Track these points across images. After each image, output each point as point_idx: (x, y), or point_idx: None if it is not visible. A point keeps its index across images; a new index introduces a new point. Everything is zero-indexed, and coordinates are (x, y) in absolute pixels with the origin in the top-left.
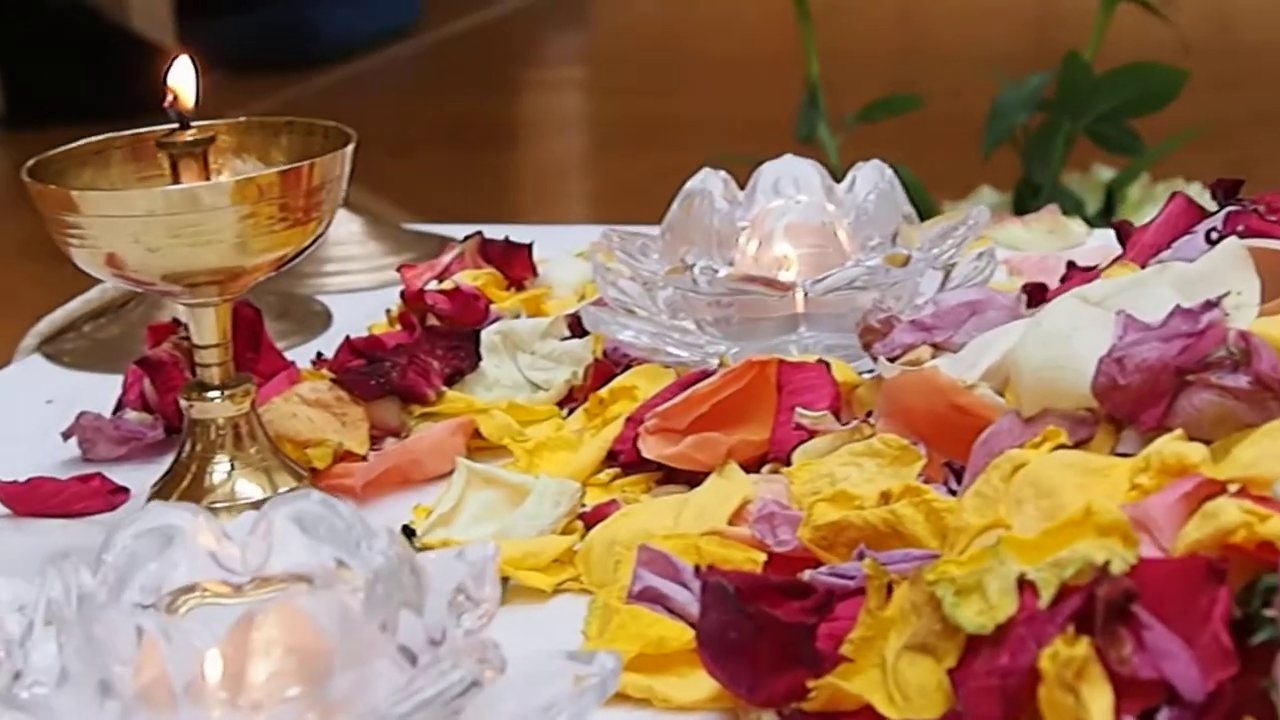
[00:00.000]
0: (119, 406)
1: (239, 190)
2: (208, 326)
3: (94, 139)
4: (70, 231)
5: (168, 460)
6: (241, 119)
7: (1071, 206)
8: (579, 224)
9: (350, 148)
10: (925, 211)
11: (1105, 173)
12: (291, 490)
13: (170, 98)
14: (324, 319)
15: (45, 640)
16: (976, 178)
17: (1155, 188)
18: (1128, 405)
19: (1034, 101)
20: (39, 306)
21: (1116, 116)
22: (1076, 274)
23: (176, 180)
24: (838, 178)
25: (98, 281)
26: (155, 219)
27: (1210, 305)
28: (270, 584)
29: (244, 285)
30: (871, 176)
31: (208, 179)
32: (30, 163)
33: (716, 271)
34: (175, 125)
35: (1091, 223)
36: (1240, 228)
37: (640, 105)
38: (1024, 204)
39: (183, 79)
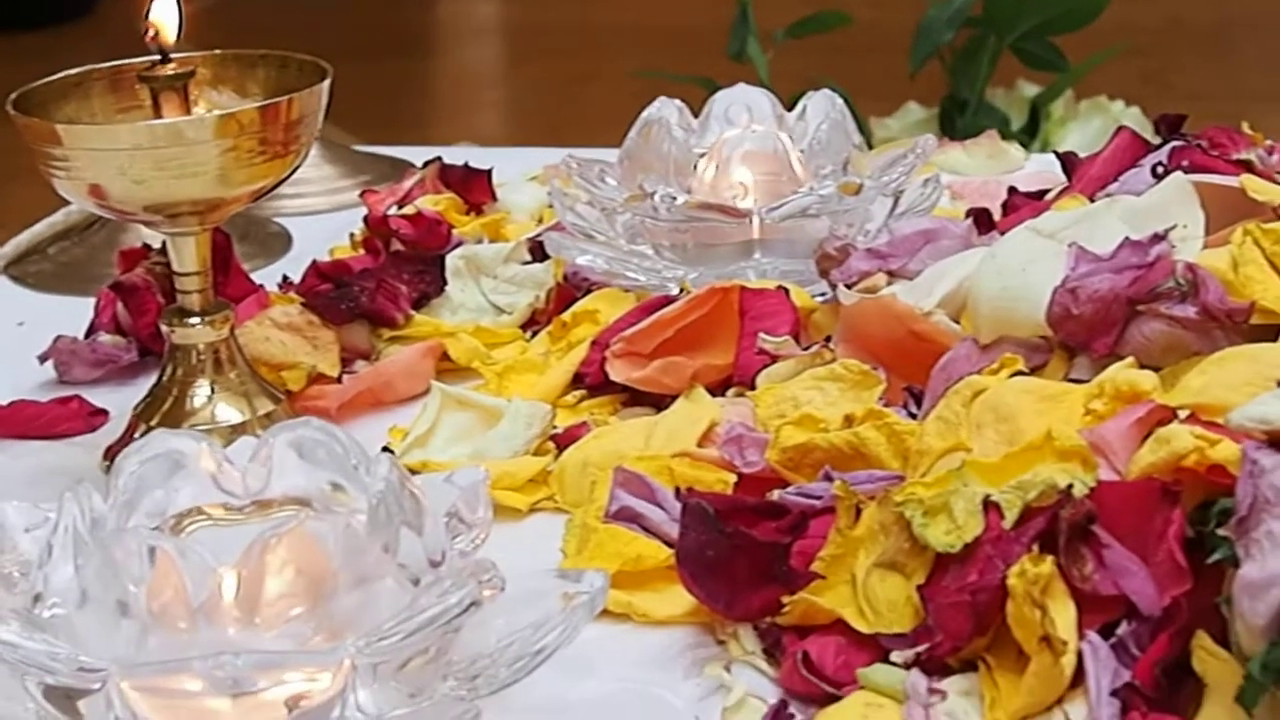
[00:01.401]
0: (92, 329)
1: (222, 125)
2: (188, 254)
3: (74, 71)
4: (55, 163)
5: (143, 382)
6: (217, 51)
7: (997, 122)
8: (496, 132)
9: (327, 82)
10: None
11: (1030, 89)
12: (269, 413)
13: (151, 33)
14: (284, 241)
15: (62, 562)
16: (902, 88)
17: (1079, 104)
18: (1081, 333)
19: (960, 19)
20: None
21: (1040, 34)
22: (1018, 199)
23: (157, 112)
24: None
25: (61, 204)
26: (141, 152)
27: (1158, 238)
28: (270, 507)
29: (223, 215)
30: (822, 106)
31: (188, 112)
32: (14, 95)
33: (675, 199)
34: (156, 58)
35: (1016, 138)
36: (1184, 163)
37: (554, 11)
38: (950, 119)
39: (164, 14)
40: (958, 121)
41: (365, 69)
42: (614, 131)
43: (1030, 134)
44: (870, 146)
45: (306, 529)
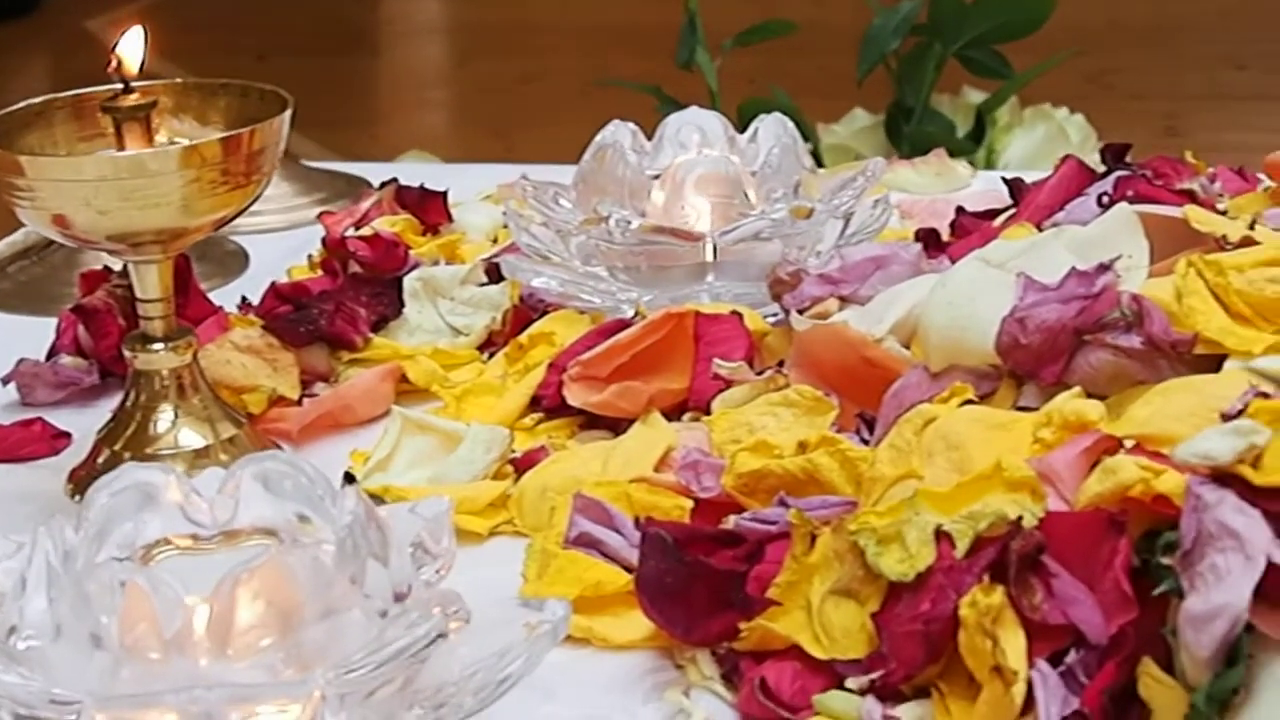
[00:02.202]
0: (53, 351)
1: (185, 156)
2: (151, 282)
3: (36, 100)
4: (19, 193)
5: (104, 404)
6: (178, 80)
7: (943, 129)
8: (442, 132)
9: (288, 113)
10: (801, 134)
11: (975, 95)
12: (232, 437)
13: (115, 63)
14: (241, 260)
15: (36, 595)
16: (847, 88)
17: (1024, 111)
18: (1029, 362)
19: (906, 28)
20: None
21: (985, 41)
22: (966, 219)
23: (120, 142)
24: (716, 100)
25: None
26: (105, 183)
27: (1104, 268)
28: (237, 537)
29: (186, 243)
30: (774, 129)
31: (151, 141)
32: None
33: (630, 223)
34: (119, 88)
35: (962, 145)
36: (1130, 193)
37: (499, 10)
38: (897, 126)
39: (130, 48)
40: (904, 128)
41: (310, 66)
42: (560, 131)
43: (976, 140)
44: (817, 153)
45: (276, 562)
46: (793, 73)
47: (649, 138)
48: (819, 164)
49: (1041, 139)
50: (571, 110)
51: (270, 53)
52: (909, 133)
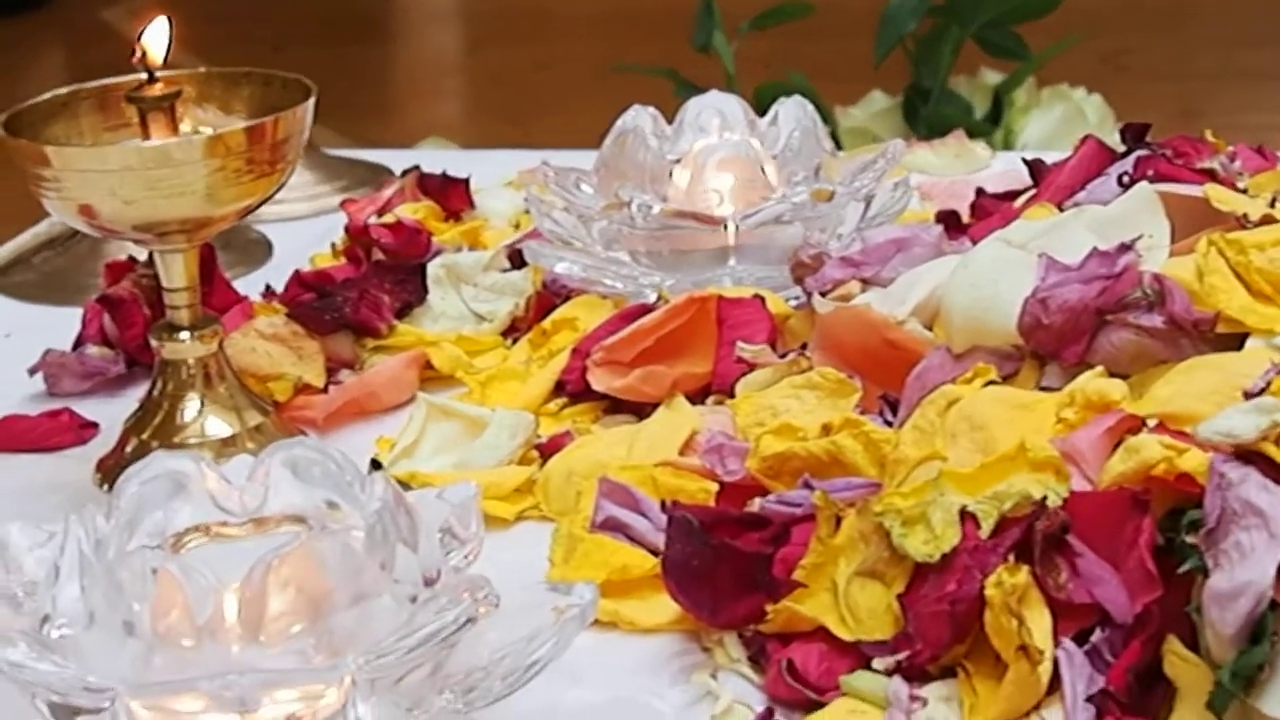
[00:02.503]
0: (79, 342)
1: (210, 146)
2: (176, 271)
3: (62, 90)
4: (45, 184)
5: (130, 394)
6: (202, 70)
7: (960, 110)
8: (457, 120)
9: (311, 101)
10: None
11: (992, 77)
12: (258, 425)
13: (139, 54)
14: (265, 248)
15: (69, 584)
16: (864, 70)
17: (1041, 92)
18: (1051, 343)
19: (923, 9)
20: None
21: (1002, 23)
22: (986, 200)
23: (145, 131)
24: (733, 84)
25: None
26: (131, 173)
27: (1125, 248)
28: (267, 524)
29: (211, 232)
30: (794, 112)
31: (175, 130)
32: (4, 116)
33: (651, 207)
34: (144, 78)
35: (980, 126)
36: (1150, 172)
37: None
38: (914, 108)
39: (155, 38)
40: (921, 110)
41: (325, 55)
42: (576, 117)
43: (994, 121)
44: (835, 136)
45: (307, 549)
46: (809, 55)
47: (668, 122)
48: (837, 146)
49: (1059, 119)
50: (587, 96)
51: (285, 43)
52: (926, 114)
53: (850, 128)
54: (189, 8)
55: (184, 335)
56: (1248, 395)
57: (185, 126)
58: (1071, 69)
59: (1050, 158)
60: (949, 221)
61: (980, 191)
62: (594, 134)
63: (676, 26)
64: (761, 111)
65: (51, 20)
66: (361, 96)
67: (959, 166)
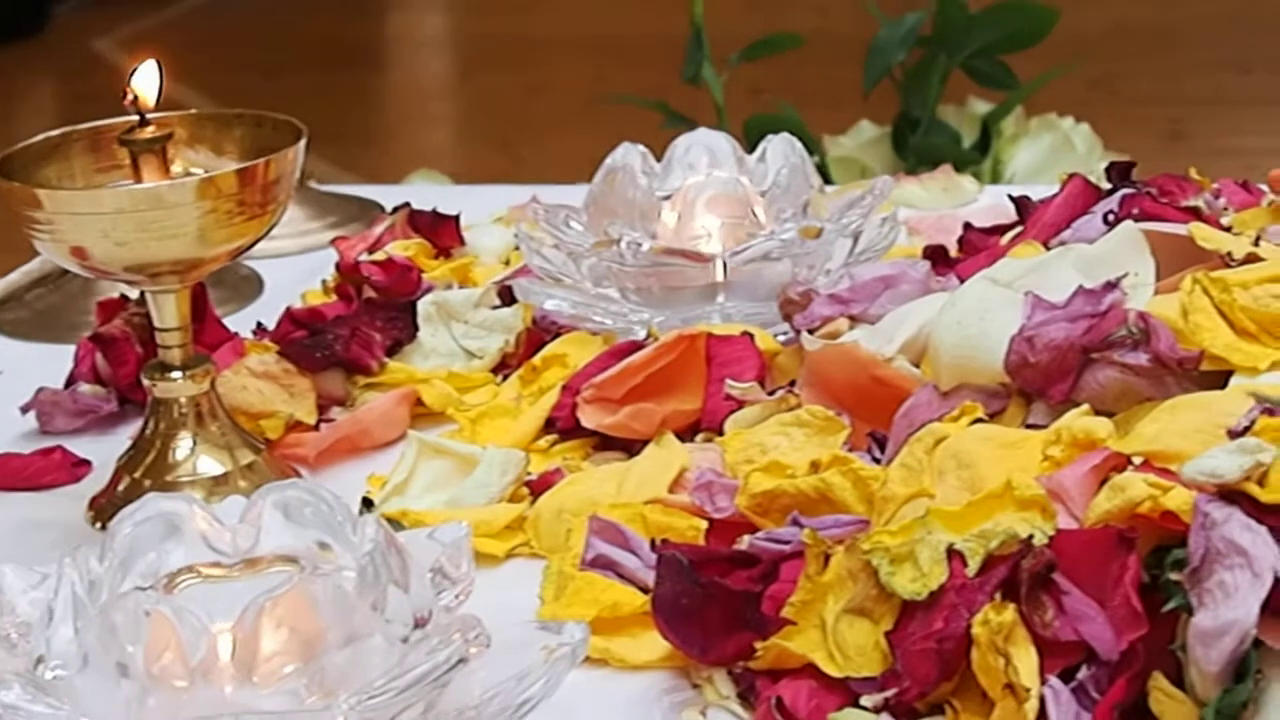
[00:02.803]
0: (72, 380)
1: (202, 188)
2: (169, 311)
3: (54, 132)
4: (38, 226)
5: (122, 431)
6: (194, 111)
7: (948, 140)
8: (447, 146)
9: (303, 143)
10: (807, 147)
11: (980, 106)
12: (250, 463)
13: (131, 97)
14: (255, 284)
15: (63, 625)
16: (852, 96)
17: (1029, 121)
18: (1037, 381)
19: (911, 40)
20: None
21: (990, 52)
22: (973, 235)
23: (137, 173)
24: (722, 116)
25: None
26: (123, 215)
27: (1111, 286)
28: (258, 565)
29: (202, 273)
30: (782, 150)
31: (167, 172)
32: None
33: (641, 245)
34: (135, 120)
35: (968, 155)
36: (1135, 210)
37: (502, 23)
38: (903, 137)
39: (145, 81)
40: (910, 140)
41: (316, 82)
42: (566, 143)
43: (982, 151)
44: (824, 166)
45: (299, 590)
46: (797, 82)
47: (655, 152)
48: (825, 176)
49: (1047, 149)
50: (577, 122)
51: (277, 70)
52: (915, 144)
53: (839, 157)
54: (180, 36)
55: (176, 374)
56: (1231, 434)
57: (177, 168)
58: (1060, 94)
59: (1038, 189)
60: (936, 257)
61: (968, 226)
62: (583, 160)
63: (664, 51)
64: (751, 144)
65: (44, 50)
66: (352, 123)
67: (946, 201)
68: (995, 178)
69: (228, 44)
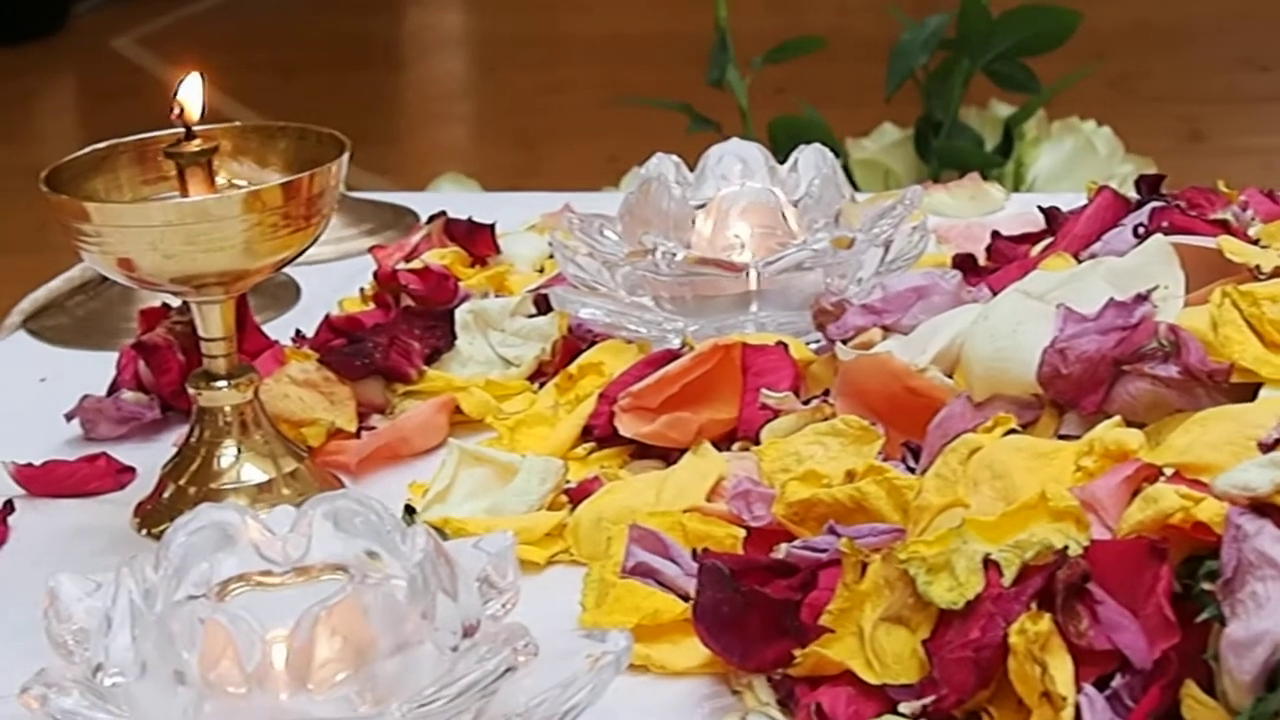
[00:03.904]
0: (114, 387)
1: (248, 201)
2: (214, 321)
3: (100, 145)
4: (86, 238)
5: (165, 438)
6: (237, 124)
7: (971, 143)
8: (467, 146)
9: (346, 156)
10: (833, 152)
11: (1003, 109)
12: (293, 471)
13: (177, 110)
14: (293, 292)
15: (120, 634)
16: (872, 95)
17: (1051, 124)
18: (1070, 392)
19: (934, 43)
20: None
21: (1012, 55)
22: (1001, 243)
23: (183, 185)
24: (747, 119)
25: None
26: (171, 228)
27: (1141, 299)
28: (308, 573)
29: (247, 284)
30: (813, 160)
31: (213, 184)
32: (44, 173)
33: (675, 255)
34: (181, 133)
35: (990, 158)
36: (1164, 224)
37: (522, 21)
38: (926, 140)
39: (191, 94)
40: (933, 143)
41: (335, 81)
42: (585, 143)
43: (1004, 154)
44: (847, 169)
45: (353, 599)
46: (818, 81)
47: (675, 152)
48: (848, 179)
49: (1070, 152)
50: (597, 121)
51: (296, 69)
52: (938, 147)
53: (861, 159)
54: (199, 35)
55: (221, 384)
56: (1262, 447)
57: (221, 180)
58: (1079, 93)
59: (1062, 196)
60: (966, 266)
61: (996, 235)
62: (605, 160)
63: (687, 50)
64: (774, 145)
65: (63, 47)
66: (372, 122)
67: (974, 209)
68: (1018, 181)
69: (246, 42)
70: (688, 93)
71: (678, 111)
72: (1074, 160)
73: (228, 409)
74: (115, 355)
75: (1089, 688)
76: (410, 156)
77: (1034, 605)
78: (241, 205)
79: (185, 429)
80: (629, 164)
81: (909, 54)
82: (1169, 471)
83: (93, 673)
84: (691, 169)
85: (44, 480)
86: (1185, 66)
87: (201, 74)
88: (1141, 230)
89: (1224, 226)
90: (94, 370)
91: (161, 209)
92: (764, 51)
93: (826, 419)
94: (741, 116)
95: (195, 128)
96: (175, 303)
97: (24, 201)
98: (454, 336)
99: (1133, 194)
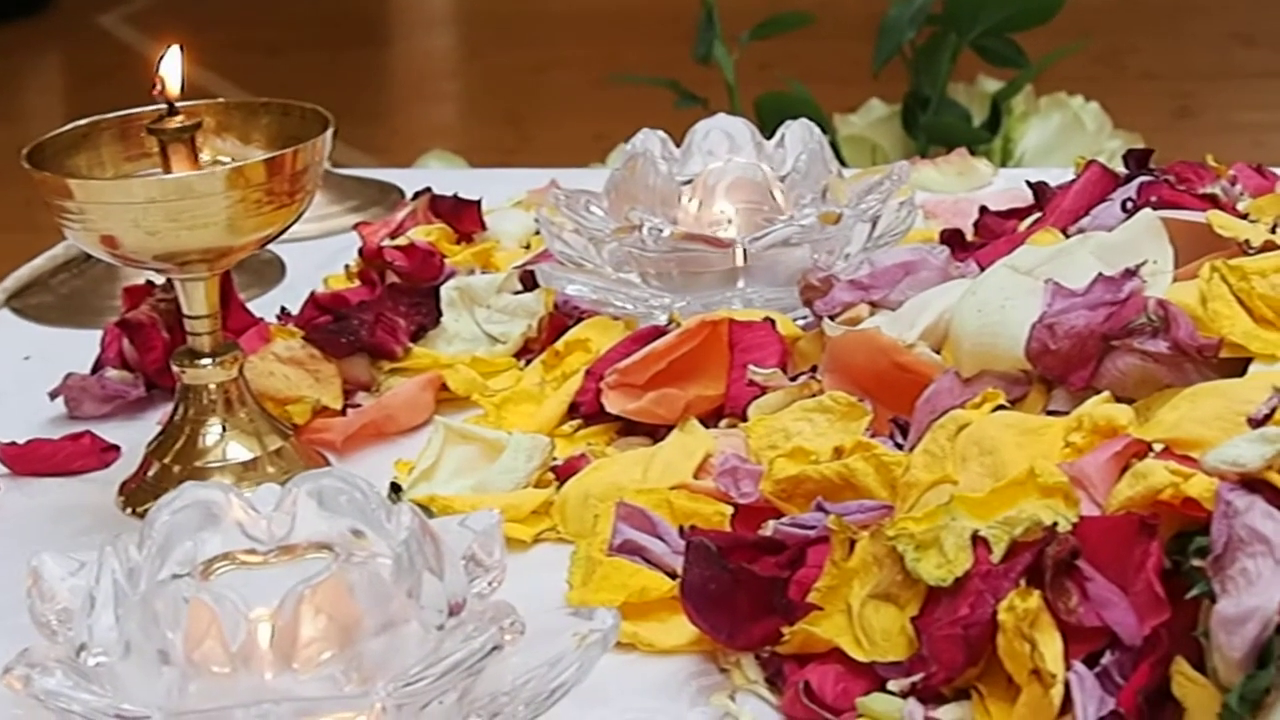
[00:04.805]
0: (99, 365)
1: (231, 178)
2: (197, 298)
3: (82, 122)
4: (69, 215)
5: (150, 416)
6: (220, 100)
7: (958, 118)
8: (455, 123)
9: (329, 132)
10: (820, 128)
11: (990, 84)
12: (279, 449)
13: (159, 86)
14: (278, 269)
15: (104, 613)
16: (860, 72)
17: (1039, 100)
18: (1058, 368)
19: (922, 18)
20: None
21: (1000, 30)
22: (989, 219)
23: (166, 162)
24: (734, 96)
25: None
26: (154, 205)
27: (1130, 274)
28: (293, 552)
29: (231, 261)
30: (800, 135)
31: (196, 161)
32: (26, 149)
33: (662, 231)
34: (163, 109)
35: (978, 133)
36: (1153, 198)
37: None
38: (913, 116)
39: (171, 69)
40: (920, 118)
41: (322, 59)
42: (574, 123)
43: (992, 129)
44: (835, 145)
45: (338, 577)
46: (805, 57)
47: (663, 128)
48: (836, 155)
49: (1057, 128)
50: (585, 99)
51: (283, 47)
52: (925, 123)
53: (849, 135)
54: (184, 13)
55: (205, 361)
56: (1252, 422)
57: (205, 156)
58: (1067, 69)
59: (1051, 172)
60: (954, 241)
61: (984, 210)
62: (591, 137)
63: (675, 27)
64: (761, 121)
65: (49, 26)
66: (359, 100)
67: (962, 184)
68: (1005, 156)
69: (233, 20)
70: (675, 69)
71: (665, 88)
72: (1062, 135)
73: (212, 387)
74: (99, 333)
75: (1079, 665)
76: (397, 134)
77: (1023, 582)
78: (225, 181)
79: (170, 407)
80: (616, 141)
81: (896, 29)
82: (1158, 447)
83: (76, 653)
84: (678, 145)
85: (28, 459)
86: (1174, 42)
87: (181, 47)
88: (1130, 205)
89: (1213, 201)
90: (78, 348)
91: (144, 185)
92: (751, 27)
93: (814, 395)
94: (729, 92)
95: (178, 104)
96: (159, 280)
97: (10, 179)
98: (440, 313)
99: (1121, 169)
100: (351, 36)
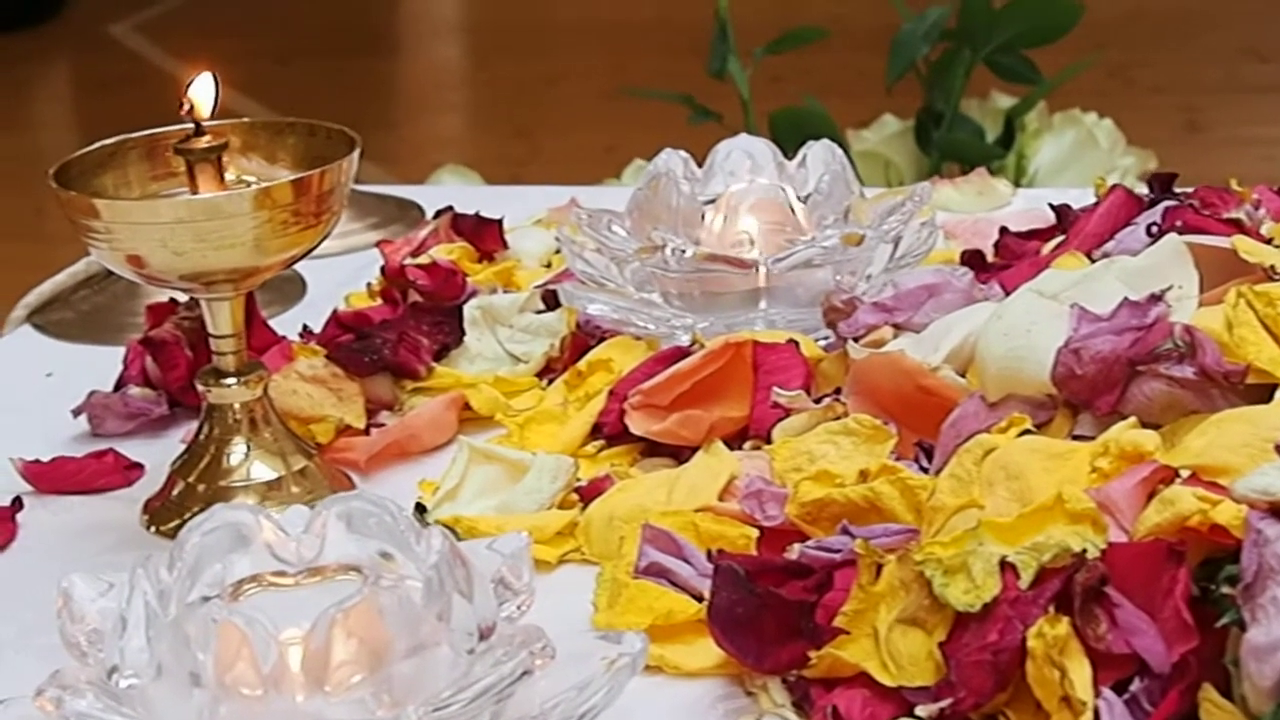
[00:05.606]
0: (121, 382)
1: (258, 198)
2: (223, 318)
3: (109, 141)
4: (95, 235)
5: (173, 434)
6: (246, 120)
7: (972, 134)
8: (463, 134)
9: (356, 152)
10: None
11: (1004, 100)
12: (303, 469)
13: (187, 107)
14: (299, 286)
15: (135, 635)
16: (872, 85)
17: (1052, 116)
18: (1084, 392)
19: (935, 33)
20: None
21: (1014, 46)
22: (1009, 239)
23: (193, 182)
24: (748, 111)
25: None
26: (181, 225)
27: (1156, 299)
28: (322, 574)
29: (256, 281)
30: (822, 156)
31: (222, 181)
32: (54, 168)
33: (685, 251)
34: (191, 129)
35: (991, 150)
36: (1178, 223)
37: (519, 9)
38: (927, 132)
39: (202, 92)
40: (934, 134)
41: (331, 67)
42: (585, 134)
43: (1005, 145)
44: (850, 160)
45: (370, 601)
46: (818, 70)
47: (680, 147)
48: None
49: (1071, 145)
50: (596, 111)
51: (292, 56)
52: (939, 139)
53: (862, 151)
54: (194, 21)
55: (230, 381)
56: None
57: (231, 176)
58: (1078, 83)
59: (1068, 191)
60: (974, 262)
61: (1004, 230)
62: (602, 150)
63: (687, 38)
64: (776, 136)
65: (59, 34)
66: (368, 109)
67: (981, 204)
68: (1019, 173)
69: (243, 29)
70: (684, 81)
71: (678, 103)
72: (1075, 152)
73: (237, 406)
74: (122, 350)
75: (1108, 692)
76: (407, 144)
77: (1052, 608)
78: (252, 202)
79: (193, 425)
80: (627, 154)
81: (910, 45)
82: (1185, 473)
83: (107, 675)
84: (699, 162)
85: (51, 477)
86: (1183, 57)
87: (214, 74)
88: (1155, 229)
89: (1237, 226)
90: (100, 366)
91: (171, 206)
92: (764, 42)
93: (838, 418)
94: (742, 107)
95: (205, 124)
96: (182, 298)
97: (21, 188)
98: (463, 332)
99: (1133, 186)
100: (360, 46)
